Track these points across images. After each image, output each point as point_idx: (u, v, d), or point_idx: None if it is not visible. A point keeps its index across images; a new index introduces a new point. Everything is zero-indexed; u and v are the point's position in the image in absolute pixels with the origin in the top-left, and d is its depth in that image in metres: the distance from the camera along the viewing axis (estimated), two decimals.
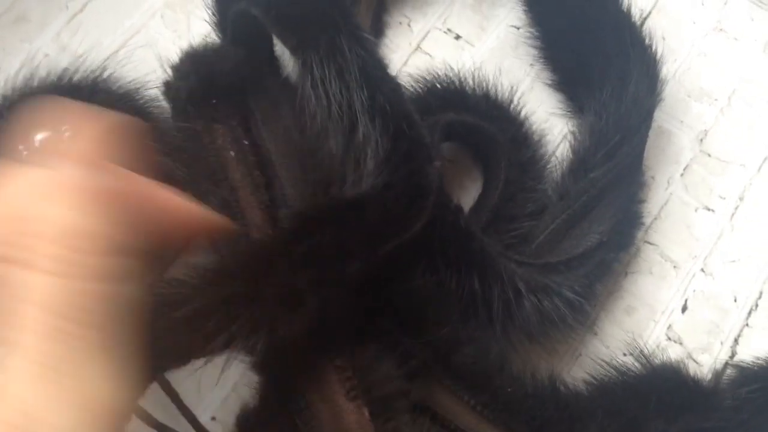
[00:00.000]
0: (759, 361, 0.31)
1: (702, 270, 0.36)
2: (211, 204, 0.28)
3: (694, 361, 0.34)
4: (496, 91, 0.35)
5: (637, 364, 0.30)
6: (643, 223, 0.34)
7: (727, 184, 0.37)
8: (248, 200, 0.28)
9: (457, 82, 0.33)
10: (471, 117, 0.32)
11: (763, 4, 0.41)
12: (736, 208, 0.37)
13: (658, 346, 0.34)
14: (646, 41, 0.34)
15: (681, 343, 0.34)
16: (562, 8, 0.36)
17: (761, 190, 0.37)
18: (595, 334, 0.34)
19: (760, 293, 0.35)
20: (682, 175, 0.37)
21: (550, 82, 0.38)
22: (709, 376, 0.31)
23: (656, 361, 0.31)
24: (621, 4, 0.35)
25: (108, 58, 0.36)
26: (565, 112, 0.37)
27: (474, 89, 0.34)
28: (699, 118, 0.38)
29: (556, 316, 0.27)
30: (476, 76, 0.34)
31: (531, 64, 0.38)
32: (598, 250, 0.31)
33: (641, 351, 0.31)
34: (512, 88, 0.35)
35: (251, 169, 0.29)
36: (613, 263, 0.33)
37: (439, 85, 0.33)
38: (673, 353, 0.34)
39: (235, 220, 0.28)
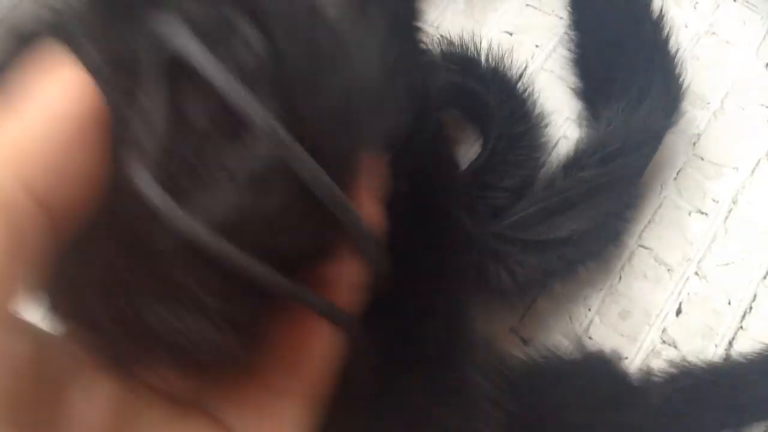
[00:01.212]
0: (697, 361, 0.32)
1: (696, 273, 0.36)
2: None
3: (689, 363, 0.34)
4: (506, 67, 0.36)
5: (570, 347, 0.31)
6: (621, 242, 0.35)
7: (720, 187, 0.37)
8: None
9: (472, 50, 0.35)
10: (474, 83, 0.34)
11: (754, 7, 0.41)
12: (730, 212, 0.37)
13: (653, 350, 0.34)
14: (676, 68, 0.35)
15: (676, 347, 0.34)
16: (603, 19, 0.37)
17: (754, 193, 0.37)
18: (590, 338, 0.34)
19: (754, 296, 0.35)
20: (675, 178, 0.37)
21: (573, 87, 0.38)
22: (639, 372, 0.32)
23: (590, 349, 0.32)
24: (660, 27, 0.36)
25: None
26: (579, 120, 0.38)
27: (487, 61, 0.35)
28: (692, 122, 0.39)
29: (498, 287, 0.28)
30: (492, 52, 0.36)
31: (525, 67, 0.39)
32: (564, 246, 0.31)
33: (576, 335, 0.32)
34: (524, 66, 0.37)
35: None
36: (578, 266, 0.33)
37: (455, 49, 0.35)
38: (668, 356, 0.34)
39: None
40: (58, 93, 0.13)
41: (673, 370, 0.31)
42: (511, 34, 0.40)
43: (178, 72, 0.13)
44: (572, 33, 0.38)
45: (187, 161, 0.13)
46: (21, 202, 0.12)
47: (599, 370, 0.29)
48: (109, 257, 0.13)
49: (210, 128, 0.13)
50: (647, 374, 0.31)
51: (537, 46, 0.40)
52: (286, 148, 0.12)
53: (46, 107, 0.13)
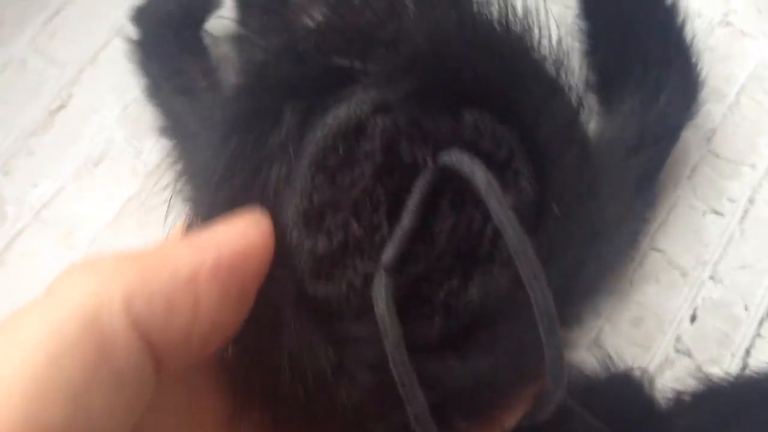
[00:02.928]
0: (723, 375, 0.30)
1: (711, 277, 0.34)
2: (191, 117, 0.31)
3: (704, 373, 0.32)
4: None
5: (597, 365, 0.29)
6: (638, 244, 0.33)
7: (736, 186, 0.35)
8: None
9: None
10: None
11: None
12: (746, 212, 0.35)
13: (666, 359, 0.32)
14: (693, 59, 0.33)
15: (690, 356, 0.33)
16: (614, 7, 0.35)
17: None
18: (600, 347, 0.32)
19: None
20: (689, 177, 0.36)
21: (586, 80, 0.36)
22: (668, 396, 0.30)
23: (616, 368, 0.30)
24: (675, 17, 0.34)
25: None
26: (590, 115, 0.36)
27: None
28: (706, 116, 0.37)
29: None
30: None
31: None
32: None
33: (607, 354, 0.30)
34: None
35: None
36: None
37: None
38: (682, 366, 0.32)
39: None
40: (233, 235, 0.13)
41: (701, 387, 0.29)
42: None
43: (436, 194, 0.14)
44: (581, 23, 0.36)
45: (417, 281, 0.14)
46: (130, 342, 0.11)
47: (625, 393, 0.27)
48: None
49: (450, 253, 0.14)
50: (675, 397, 0.29)
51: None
52: (542, 297, 0.13)
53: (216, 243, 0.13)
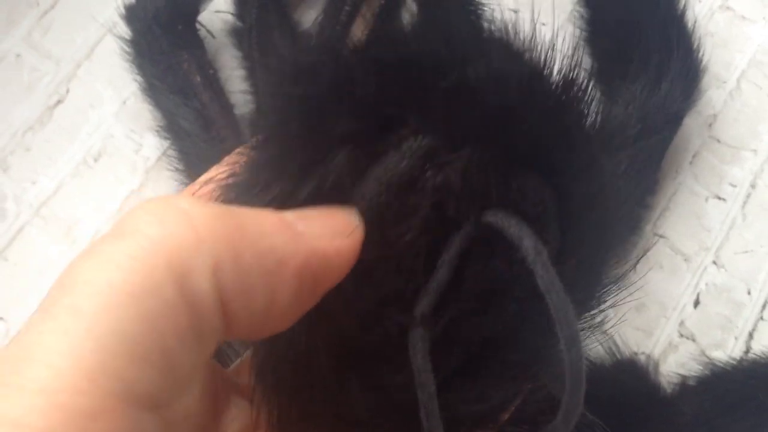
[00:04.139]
0: (726, 359, 0.31)
1: (714, 262, 0.34)
2: (184, 116, 0.31)
3: (708, 358, 0.32)
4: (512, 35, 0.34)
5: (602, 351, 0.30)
6: (641, 230, 0.33)
7: (737, 171, 0.36)
8: (218, 118, 0.32)
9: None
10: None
11: None
12: (748, 197, 0.35)
13: (670, 344, 0.32)
14: (694, 45, 0.33)
15: (694, 340, 0.33)
16: None
17: None
18: (603, 333, 0.33)
19: None
20: (691, 163, 0.36)
21: (587, 68, 0.36)
22: (674, 381, 0.30)
23: (621, 353, 0.30)
24: (675, 3, 0.34)
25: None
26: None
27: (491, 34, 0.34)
28: (707, 102, 0.37)
29: None
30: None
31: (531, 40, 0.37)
32: None
33: (612, 340, 0.30)
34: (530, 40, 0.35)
35: (219, 95, 0.33)
36: None
37: None
38: (686, 350, 0.32)
39: (207, 131, 0.32)
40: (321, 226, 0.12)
41: (705, 373, 0.29)
42: (516, 12, 0.38)
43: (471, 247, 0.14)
44: (581, 10, 0.36)
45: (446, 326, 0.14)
46: (210, 305, 0.11)
47: (630, 380, 0.27)
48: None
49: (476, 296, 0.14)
50: (680, 383, 0.29)
51: (543, 24, 0.37)
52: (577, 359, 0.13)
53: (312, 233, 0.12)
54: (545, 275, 0.13)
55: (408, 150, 0.14)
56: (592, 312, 0.16)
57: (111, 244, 0.11)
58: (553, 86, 0.14)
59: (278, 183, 0.13)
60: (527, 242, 0.13)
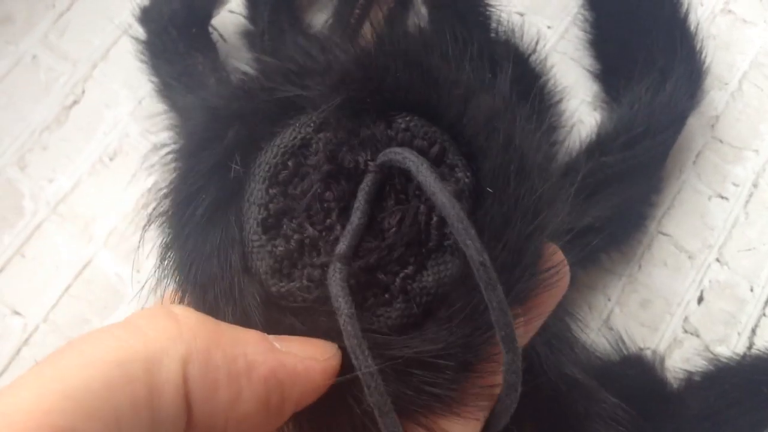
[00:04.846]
0: (731, 354, 0.31)
1: (717, 260, 0.35)
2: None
3: (712, 353, 0.33)
4: (519, 37, 0.35)
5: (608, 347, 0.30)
6: (645, 229, 0.34)
7: (740, 170, 0.36)
8: None
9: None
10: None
11: None
12: (750, 195, 0.36)
13: (674, 339, 0.33)
14: (697, 46, 0.34)
15: (698, 336, 0.33)
16: None
17: None
18: (610, 329, 0.33)
19: None
20: (694, 162, 0.36)
21: (591, 69, 0.37)
22: (679, 376, 0.31)
23: (627, 349, 0.31)
24: (679, 6, 0.34)
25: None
26: (595, 103, 0.36)
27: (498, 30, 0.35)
28: (709, 104, 0.37)
29: None
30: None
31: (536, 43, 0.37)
32: (587, 234, 0.30)
33: (618, 335, 0.30)
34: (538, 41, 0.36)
35: None
36: (600, 254, 0.32)
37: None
38: (690, 346, 0.33)
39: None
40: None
41: (710, 368, 0.30)
42: (522, 15, 0.38)
43: (382, 191, 0.16)
44: (586, 12, 0.37)
45: (372, 271, 0.15)
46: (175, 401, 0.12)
47: (638, 374, 0.28)
48: None
49: (401, 244, 0.15)
50: (686, 378, 0.30)
51: (549, 27, 0.38)
52: (488, 279, 0.14)
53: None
54: (439, 194, 0.14)
55: (299, 122, 0.16)
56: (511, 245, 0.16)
57: (109, 326, 0.13)
58: (412, 39, 0.17)
59: (182, 160, 0.16)
60: (418, 166, 0.14)
